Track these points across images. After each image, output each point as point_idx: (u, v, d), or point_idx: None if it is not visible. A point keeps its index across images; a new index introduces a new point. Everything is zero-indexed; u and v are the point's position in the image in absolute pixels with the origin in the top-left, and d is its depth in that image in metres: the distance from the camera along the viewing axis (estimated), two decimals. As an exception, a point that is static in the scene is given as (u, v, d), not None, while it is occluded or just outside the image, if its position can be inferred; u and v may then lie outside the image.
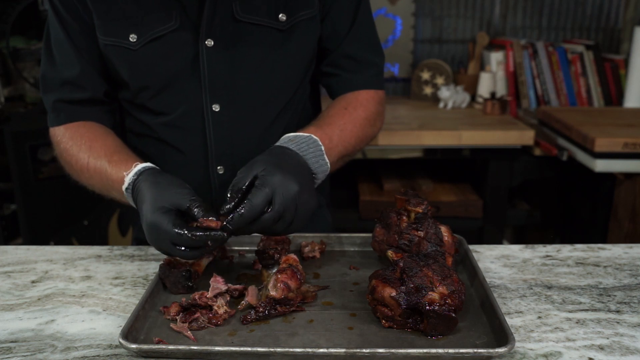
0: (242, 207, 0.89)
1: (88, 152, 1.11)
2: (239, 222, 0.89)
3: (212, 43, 1.10)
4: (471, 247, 1.11)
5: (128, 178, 1.01)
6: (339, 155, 1.12)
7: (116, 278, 1.05)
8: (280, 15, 1.12)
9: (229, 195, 0.92)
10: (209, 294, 0.90)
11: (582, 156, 2.26)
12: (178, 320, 0.87)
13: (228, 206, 0.90)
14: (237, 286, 0.94)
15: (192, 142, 1.17)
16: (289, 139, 1.04)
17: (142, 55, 1.10)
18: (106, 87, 1.18)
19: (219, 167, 1.18)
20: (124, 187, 1.02)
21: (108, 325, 0.89)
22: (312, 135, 1.05)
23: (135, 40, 1.09)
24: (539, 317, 0.90)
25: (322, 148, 1.05)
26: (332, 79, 1.26)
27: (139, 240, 1.32)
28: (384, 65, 1.28)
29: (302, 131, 1.07)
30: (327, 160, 1.05)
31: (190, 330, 0.85)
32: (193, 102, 1.14)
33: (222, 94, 1.13)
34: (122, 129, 1.29)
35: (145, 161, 1.07)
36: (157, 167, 1.04)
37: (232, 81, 1.13)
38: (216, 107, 1.14)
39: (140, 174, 1.01)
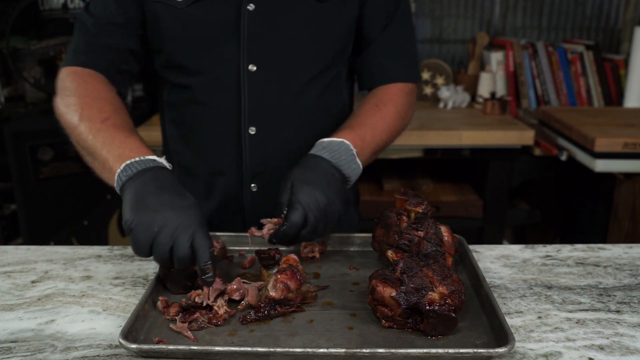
0: (284, 225, 0.99)
1: (88, 117, 1.07)
2: (283, 238, 1.00)
3: (253, 7, 1.15)
4: (471, 247, 1.11)
5: (145, 162, 0.98)
6: (371, 152, 1.18)
7: (116, 278, 1.05)
8: None
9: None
10: (210, 297, 0.90)
11: (582, 156, 2.26)
12: (177, 320, 0.87)
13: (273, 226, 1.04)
14: (235, 288, 0.94)
15: (227, 101, 1.20)
16: (323, 146, 1.11)
17: (187, 14, 1.15)
18: (137, 42, 1.20)
19: (250, 128, 1.21)
20: (134, 170, 0.97)
21: (108, 325, 0.89)
22: (345, 140, 1.11)
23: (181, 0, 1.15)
24: (539, 317, 0.90)
25: (354, 152, 1.11)
26: (371, 66, 1.28)
27: None
28: (417, 57, 1.32)
29: (336, 135, 1.13)
30: (359, 163, 1.12)
31: (190, 330, 0.85)
32: (230, 62, 1.18)
33: (259, 55, 1.17)
34: (160, 103, 1.32)
35: (181, 131, 1.23)
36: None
37: (269, 44, 1.17)
38: (252, 68, 1.17)
39: (160, 168, 0.98)
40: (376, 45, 1.26)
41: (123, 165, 0.96)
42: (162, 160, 1.00)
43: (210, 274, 0.89)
